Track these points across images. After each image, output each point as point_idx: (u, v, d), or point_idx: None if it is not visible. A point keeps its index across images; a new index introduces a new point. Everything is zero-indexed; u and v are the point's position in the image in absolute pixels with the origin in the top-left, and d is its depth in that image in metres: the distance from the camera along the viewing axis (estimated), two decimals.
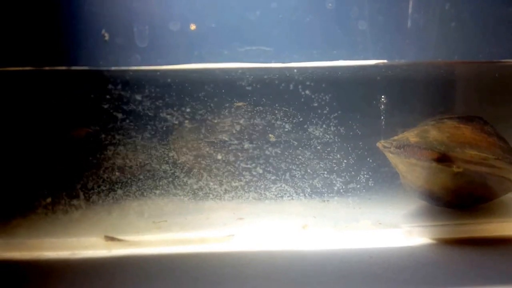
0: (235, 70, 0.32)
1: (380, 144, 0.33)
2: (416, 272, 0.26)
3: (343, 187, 0.34)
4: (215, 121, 0.33)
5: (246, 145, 0.33)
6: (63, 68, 0.30)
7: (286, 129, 0.34)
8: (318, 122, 0.34)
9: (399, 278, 0.26)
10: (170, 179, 0.33)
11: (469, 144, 0.31)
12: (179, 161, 0.33)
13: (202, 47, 0.30)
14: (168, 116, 0.33)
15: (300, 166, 0.34)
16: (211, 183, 0.33)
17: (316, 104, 0.34)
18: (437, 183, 0.32)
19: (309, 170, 0.34)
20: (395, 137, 0.33)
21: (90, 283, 0.26)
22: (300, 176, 0.34)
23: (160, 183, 0.33)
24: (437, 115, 0.34)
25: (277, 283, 0.26)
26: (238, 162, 0.34)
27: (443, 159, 0.31)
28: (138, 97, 0.32)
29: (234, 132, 0.33)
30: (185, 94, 0.33)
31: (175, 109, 0.33)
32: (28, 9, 0.29)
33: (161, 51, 0.30)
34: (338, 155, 0.34)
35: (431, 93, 0.36)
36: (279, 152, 0.34)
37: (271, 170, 0.34)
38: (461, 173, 0.31)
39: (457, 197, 0.32)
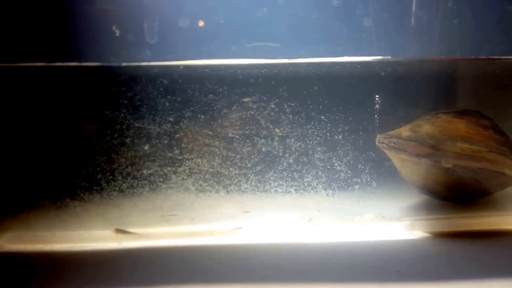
0: (243, 65, 0.32)
1: (376, 139, 0.33)
2: (418, 265, 0.27)
3: (347, 181, 0.34)
4: (222, 116, 0.34)
5: (252, 139, 0.34)
6: (75, 64, 0.30)
7: (291, 124, 0.34)
8: (323, 118, 0.34)
9: (402, 270, 0.26)
10: (179, 173, 0.33)
11: (461, 137, 0.31)
12: (187, 156, 0.34)
13: (211, 43, 0.31)
14: (176, 111, 0.33)
15: (304, 161, 0.34)
16: (219, 177, 0.34)
17: (320, 100, 0.34)
18: (430, 179, 0.32)
19: (313, 165, 0.34)
20: (390, 132, 0.33)
21: (101, 275, 0.26)
22: (304, 171, 0.34)
23: (170, 177, 0.33)
24: (439, 110, 0.34)
25: (284, 274, 0.26)
26: (243, 157, 0.34)
27: (432, 154, 0.31)
28: (148, 92, 0.32)
29: (240, 127, 0.34)
30: (194, 89, 0.33)
31: (183, 104, 0.33)
32: (40, 5, 0.29)
33: (171, 47, 0.30)
34: (343, 150, 0.34)
35: (434, 89, 0.37)
36: (285, 146, 0.34)
37: (277, 164, 0.34)
38: (451, 169, 0.31)
39: (452, 192, 0.32)
